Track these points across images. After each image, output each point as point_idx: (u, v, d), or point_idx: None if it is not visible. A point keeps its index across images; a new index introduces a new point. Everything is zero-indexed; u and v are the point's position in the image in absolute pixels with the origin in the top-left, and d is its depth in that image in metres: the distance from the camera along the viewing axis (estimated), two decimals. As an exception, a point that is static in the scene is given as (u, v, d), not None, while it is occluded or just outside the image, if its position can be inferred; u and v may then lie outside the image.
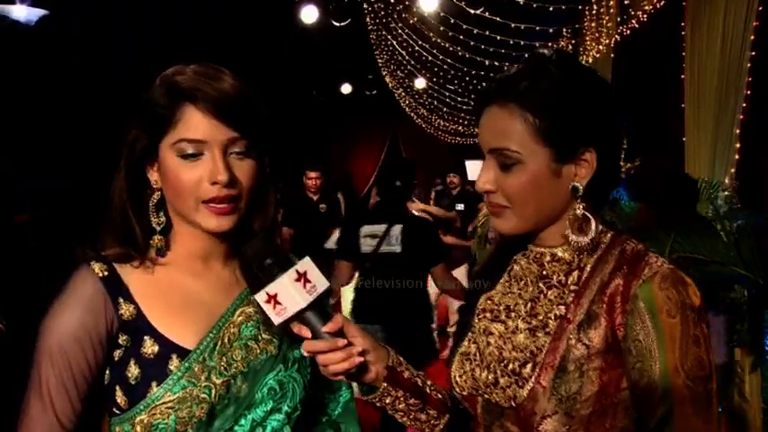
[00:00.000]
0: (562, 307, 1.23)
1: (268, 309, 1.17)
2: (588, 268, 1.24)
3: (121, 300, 1.23)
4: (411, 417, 1.36)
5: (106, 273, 1.24)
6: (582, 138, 1.20)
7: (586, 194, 1.23)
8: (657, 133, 7.25)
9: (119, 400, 1.22)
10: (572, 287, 1.24)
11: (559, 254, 1.28)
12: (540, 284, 1.29)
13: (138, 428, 1.20)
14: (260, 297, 1.18)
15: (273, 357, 1.31)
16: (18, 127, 7.83)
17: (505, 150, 1.20)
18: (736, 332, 3.45)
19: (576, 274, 1.25)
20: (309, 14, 9.17)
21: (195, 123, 1.20)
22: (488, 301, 1.36)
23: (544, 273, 1.29)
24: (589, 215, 1.23)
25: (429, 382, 1.39)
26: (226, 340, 1.27)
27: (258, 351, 1.29)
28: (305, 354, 1.23)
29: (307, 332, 1.20)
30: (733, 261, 3.27)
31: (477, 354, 1.32)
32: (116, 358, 1.23)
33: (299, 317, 1.19)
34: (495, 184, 1.24)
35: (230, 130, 1.22)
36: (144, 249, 1.28)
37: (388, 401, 1.32)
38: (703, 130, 5.57)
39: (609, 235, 1.27)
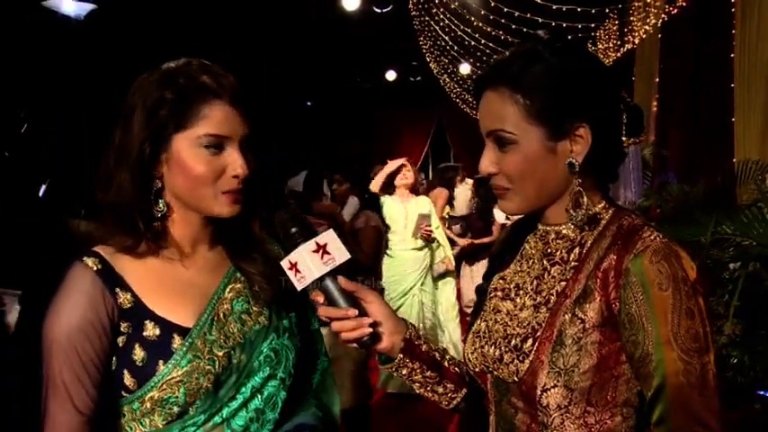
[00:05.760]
0: (563, 283, 1.26)
1: (291, 275, 1.26)
2: (588, 244, 1.26)
3: (118, 289, 1.30)
4: (428, 389, 1.41)
5: (100, 266, 1.30)
6: (573, 114, 1.22)
7: (589, 170, 1.25)
8: (706, 114, 7.08)
9: (127, 383, 1.28)
10: (573, 263, 1.26)
11: (563, 231, 1.31)
12: (545, 262, 1.31)
13: (149, 404, 1.27)
14: (284, 264, 1.27)
15: (266, 328, 1.39)
16: (69, 120, 8.04)
17: (500, 132, 1.24)
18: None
19: (577, 250, 1.27)
20: (351, 1, 9.18)
21: (220, 119, 1.30)
22: (501, 281, 1.39)
23: (548, 250, 1.32)
24: (582, 191, 1.24)
25: (448, 357, 1.44)
26: (221, 315, 1.35)
27: (252, 322, 1.38)
28: (321, 318, 1.31)
29: (321, 298, 1.29)
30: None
31: (487, 331, 1.35)
32: (120, 344, 1.29)
33: (319, 285, 1.27)
34: (497, 166, 1.27)
35: (246, 126, 1.33)
36: (148, 236, 1.34)
37: (404, 372, 1.38)
38: (753, 110, 5.43)
39: (610, 211, 1.29)
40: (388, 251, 5.63)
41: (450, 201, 7.32)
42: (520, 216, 1.42)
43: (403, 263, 5.75)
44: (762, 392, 3.44)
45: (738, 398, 3.38)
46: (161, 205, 1.34)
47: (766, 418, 3.35)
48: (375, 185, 5.65)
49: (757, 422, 3.38)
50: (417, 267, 5.78)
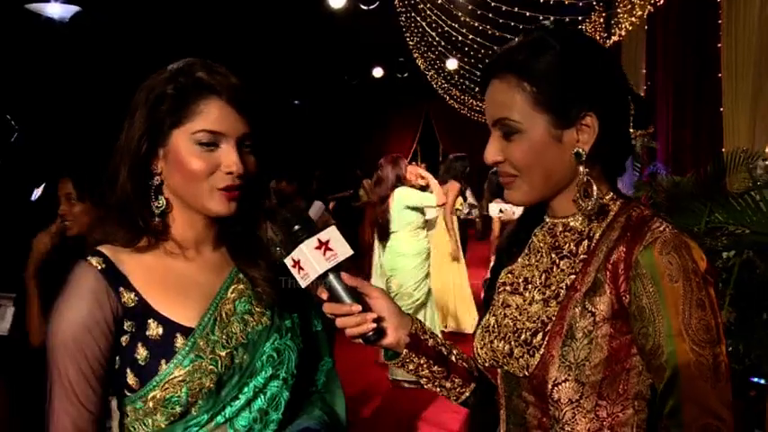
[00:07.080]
0: (573, 276, 1.25)
1: (294, 272, 1.28)
2: (597, 236, 1.26)
3: (122, 288, 1.31)
4: (436, 383, 1.42)
5: (104, 265, 1.31)
6: (579, 103, 1.21)
7: (596, 161, 1.25)
8: (693, 104, 7.12)
9: (130, 381, 1.30)
10: (582, 256, 1.26)
11: (571, 223, 1.30)
12: (553, 255, 1.31)
13: (151, 404, 1.28)
14: (287, 262, 1.29)
15: (269, 328, 1.40)
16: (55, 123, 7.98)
17: (506, 120, 1.24)
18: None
19: (585, 243, 1.27)
20: (337, -1, 9.15)
21: (216, 116, 1.31)
22: (509, 275, 1.39)
23: (557, 243, 1.31)
24: (591, 180, 1.23)
25: (455, 351, 1.44)
26: (224, 316, 1.36)
27: (254, 323, 1.39)
28: (327, 314, 1.32)
29: (325, 295, 1.30)
30: (772, 231, 3.21)
31: (496, 326, 1.35)
32: (123, 343, 1.30)
33: (323, 281, 1.29)
34: (503, 155, 1.26)
35: (245, 125, 1.34)
36: (147, 233, 1.35)
37: (411, 367, 1.38)
38: (742, 99, 5.47)
39: (618, 202, 1.28)
40: (425, 247, 5.72)
41: (462, 192, 7.39)
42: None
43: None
44: (757, 380, 3.46)
45: (734, 385, 3.39)
46: (160, 201, 1.36)
47: (761, 404, 3.37)
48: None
49: (752, 409, 3.40)
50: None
